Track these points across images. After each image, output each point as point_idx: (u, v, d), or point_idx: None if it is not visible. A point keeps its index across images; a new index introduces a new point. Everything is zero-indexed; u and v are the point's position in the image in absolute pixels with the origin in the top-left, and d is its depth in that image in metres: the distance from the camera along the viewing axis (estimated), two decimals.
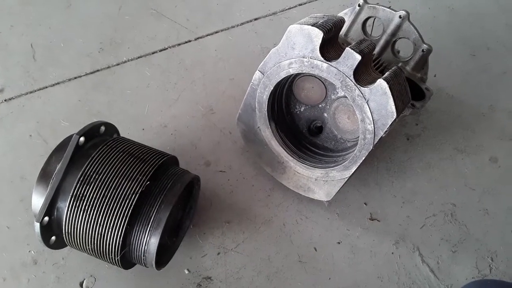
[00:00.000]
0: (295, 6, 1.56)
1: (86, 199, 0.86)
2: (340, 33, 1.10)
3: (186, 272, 1.06)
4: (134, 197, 0.86)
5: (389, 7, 1.11)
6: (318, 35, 0.91)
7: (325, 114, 1.13)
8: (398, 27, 1.11)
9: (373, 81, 0.90)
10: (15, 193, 1.15)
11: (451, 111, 1.32)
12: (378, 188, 1.19)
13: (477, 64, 1.40)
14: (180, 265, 1.07)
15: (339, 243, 1.11)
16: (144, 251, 0.90)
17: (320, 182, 1.08)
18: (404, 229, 1.13)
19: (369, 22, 1.18)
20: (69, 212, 0.87)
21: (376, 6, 1.13)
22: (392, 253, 1.10)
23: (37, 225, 0.86)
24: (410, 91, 1.02)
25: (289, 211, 1.15)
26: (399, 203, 1.17)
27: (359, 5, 1.15)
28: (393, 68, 0.94)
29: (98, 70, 1.40)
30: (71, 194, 0.86)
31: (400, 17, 1.09)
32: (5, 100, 1.32)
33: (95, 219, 0.86)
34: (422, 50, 1.10)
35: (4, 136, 1.25)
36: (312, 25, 0.91)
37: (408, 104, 0.99)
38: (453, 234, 1.12)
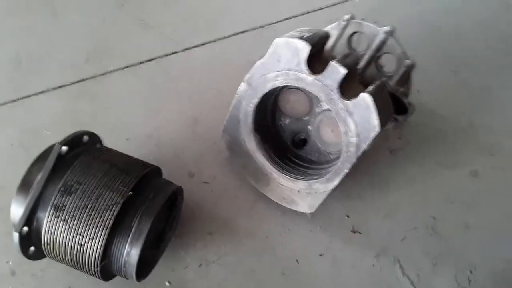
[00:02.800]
0: (282, 20, 1.57)
1: (66, 209, 0.85)
2: (326, 47, 1.12)
3: (167, 284, 1.05)
4: (116, 207, 0.85)
5: (375, 23, 1.13)
6: (304, 49, 0.92)
7: (309, 127, 1.14)
8: (383, 43, 1.12)
9: (356, 95, 0.91)
10: None
11: (433, 126, 1.34)
12: (360, 200, 1.20)
13: (458, 80, 1.43)
14: (161, 277, 1.06)
15: (321, 255, 1.11)
16: (124, 262, 0.89)
17: (303, 194, 1.09)
18: (386, 242, 1.13)
19: (355, 37, 1.19)
20: (48, 222, 0.85)
21: (361, 21, 1.15)
22: (373, 265, 1.10)
23: (16, 235, 0.85)
24: (393, 105, 1.03)
25: (272, 223, 1.15)
26: (381, 216, 1.17)
27: (344, 20, 1.17)
28: (377, 82, 0.96)
29: (83, 80, 1.39)
30: (51, 204, 0.85)
31: (385, 32, 1.11)
32: None
33: (75, 229, 0.85)
34: (406, 66, 1.12)
35: None
36: (299, 39, 0.92)
37: (390, 118, 1.01)
38: (433, 247, 1.13)
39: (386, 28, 1.10)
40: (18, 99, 1.33)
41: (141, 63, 1.44)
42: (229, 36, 1.53)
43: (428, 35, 1.53)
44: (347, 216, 1.17)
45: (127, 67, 1.43)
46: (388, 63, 1.15)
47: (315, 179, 1.06)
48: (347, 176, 1.00)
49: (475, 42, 1.52)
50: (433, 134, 1.32)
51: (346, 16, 1.16)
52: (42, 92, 1.35)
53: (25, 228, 0.86)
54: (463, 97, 1.39)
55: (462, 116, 1.36)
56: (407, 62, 1.11)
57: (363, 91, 0.90)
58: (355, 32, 1.17)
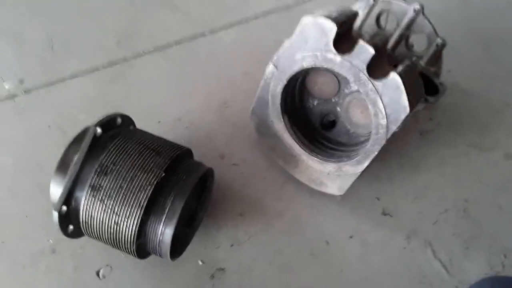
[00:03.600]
0: (309, 0, 1.56)
1: (103, 190, 0.88)
2: (354, 26, 1.10)
3: (200, 263, 1.08)
4: (150, 188, 0.88)
5: (404, 0, 1.11)
6: (331, 29, 0.91)
7: (338, 108, 1.14)
8: (412, 21, 1.10)
9: (386, 75, 0.90)
10: (34, 183, 1.18)
11: (466, 106, 1.31)
12: (390, 183, 1.19)
13: (492, 58, 1.39)
14: (194, 256, 1.08)
15: (351, 237, 1.12)
16: (159, 241, 0.92)
17: (332, 176, 1.09)
18: (416, 225, 1.13)
19: (383, 15, 1.17)
20: (86, 202, 0.89)
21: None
22: (404, 248, 1.10)
23: (55, 214, 0.88)
24: (424, 85, 1.02)
25: (301, 205, 1.16)
26: (412, 198, 1.17)
27: None
28: (406, 62, 0.94)
29: (115, 63, 1.41)
30: (88, 184, 0.89)
31: (414, 10, 1.08)
32: (24, 91, 1.35)
33: (111, 209, 0.88)
34: (436, 45, 1.09)
35: (24, 126, 1.28)
36: (326, 18, 0.91)
37: (421, 99, 0.99)
38: (465, 230, 1.12)
39: (416, 6, 1.08)
40: (53, 83, 1.37)
41: (169, 46, 1.45)
42: (256, 16, 1.52)
43: (458, 11, 1.49)
44: (377, 198, 1.17)
45: (156, 50, 1.44)
46: (418, 42, 1.13)
47: (345, 161, 1.06)
48: (377, 158, 1.00)
49: (507, 17, 1.46)
50: (466, 115, 1.29)
51: None
52: (76, 75, 1.39)
53: (64, 208, 0.89)
54: (497, 76, 1.35)
55: (496, 96, 1.32)
56: (438, 40, 1.09)
57: (392, 71, 0.89)
58: (383, 11, 1.15)
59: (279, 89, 1.06)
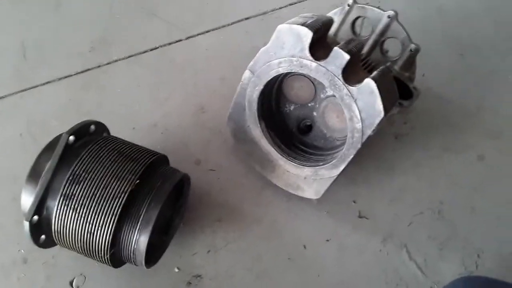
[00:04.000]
0: (285, 6, 1.56)
1: (75, 198, 0.86)
2: (329, 32, 1.11)
3: (176, 270, 1.07)
4: (124, 196, 0.87)
5: (378, 7, 1.12)
6: (307, 35, 0.92)
7: (315, 113, 1.14)
8: (387, 27, 1.12)
9: (361, 80, 0.91)
10: (7, 192, 1.15)
11: (439, 110, 1.33)
12: (366, 186, 1.20)
13: (465, 64, 1.42)
14: (170, 263, 1.07)
15: (328, 240, 1.12)
16: (133, 249, 0.90)
17: (309, 180, 1.09)
18: (392, 227, 1.14)
19: (358, 22, 1.19)
20: (58, 210, 0.87)
21: (365, 6, 1.14)
22: (380, 250, 1.11)
23: (26, 224, 0.86)
24: (398, 90, 1.03)
25: (279, 209, 1.16)
26: (387, 201, 1.18)
27: (348, 5, 1.16)
28: (381, 67, 0.95)
29: (88, 69, 1.40)
30: (60, 193, 0.87)
31: (388, 17, 1.10)
32: None
33: (84, 217, 0.86)
34: (410, 50, 1.11)
35: None
36: (301, 25, 0.92)
37: (396, 103, 1.00)
38: (440, 231, 1.14)
39: (390, 12, 1.10)
40: (25, 90, 1.34)
41: (145, 51, 1.44)
42: (233, 23, 1.52)
43: (433, 17, 1.52)
44: (354, 201, 1.18)
45: (132, 56, 1.43)
46: (393, 48, 1.15)
47: (321, 165, 1.06)
48: (353, 161, 1.00)
49: (482, 25, 1.50)
50: (439, 119, 1.31)
51: (350, 1, 1.16)
52: (48, 82, 1.36)
53: (35, 217, 0.87)
54: (470, 81, 1.38)
55: (469, 101, 1.35)
56: (412, 46, 1.11)
57: (367, 76, 0.90)
58: (358, 17, 1.17)
59: (255, 94, 1.06)
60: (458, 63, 1.43)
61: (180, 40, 1.48)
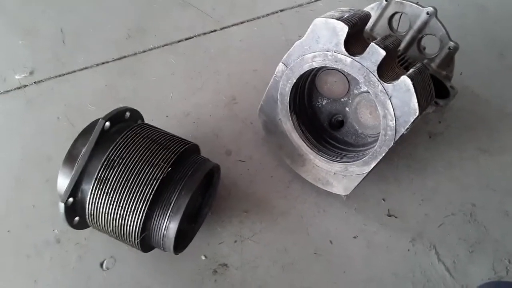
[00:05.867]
0: None
1: (109, 183, 0.89)
2: (366, 27, 1.10)
3: (203, 258, 1.08)
4: (156, 182, 0.88)
5: (417, 3, 1.10)
6: (343, 29, 0.91)
7: (347, 109, 1.13)
8: (425, 24, 1.10)
9: (397, 77, 0.89)
10: (42, 174, 1.19)
11: (476, 111, 1.30)
12: (397, 184, 1.19)
13: (505, 64, 1.38)
14: (198, 251, 1.09)
15: (355, 237, 1.12)
16: (163, 235, 0.92)
17: (339, 176, 1.09)
18: (422, 227, 1.12)
19: (396, 17, 1.17)
20: (92, 194, 0.89)
21: (403, 1, 1.12)
22: (408, 250, 1.10)
23: (61, 205, 0.89)
24: (435, 88, 1.01)
25: (307, 204, 1.16)
26: (418, 200, 1.16)
27: (386, 0, 1.14)
28: (417, 65, 0.94)
29: (124, 57, 1.42)
30: (95, 177, 0.89)
31: (427, 13, 1.08)
32: (34, 83, 1.36)
33: (117, 202, 0.88)
34: (449, 48, 1.09)
35: (33, 117, 1.29)
36: (338, 19, 0.91)
37: (431, 101, 0.98)
38: (471, 234, 1.11)
39: (429, 9, 1.07)
40: (63, 75, 1.38)
41: (180, 41, 1.46)
42: (268, 15, 1.52)
43: (472, 16, 1.48)
44: (383, 199, 1.16)
45: (167, 44, 1.45)
46: (431, 45, 1.13)
47: (351, 161, 1.06)
48: (384, 159, 0.99)
49: None
50: (476, 119, 1.28)
51: None
52: (85, 68, 1.40)
53: (70, 199, 0.90)
54: (509, 82, 1.34)
55: (507, 101, 1.31)
56: (450, 43, 1.08)
57: (403, 73, 0.89)
58: (396, 13, 1.15)
59: (288, 87, 1.05)
60: (497, 63, 1.39)
61: (214, 31, 1.49)
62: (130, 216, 0.89)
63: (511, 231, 1.11)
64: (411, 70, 0.91)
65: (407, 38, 1.13)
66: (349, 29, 0.90)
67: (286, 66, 1.03)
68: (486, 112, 1.29)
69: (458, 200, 1.16)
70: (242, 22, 1.51)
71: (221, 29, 1.49)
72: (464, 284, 1.05)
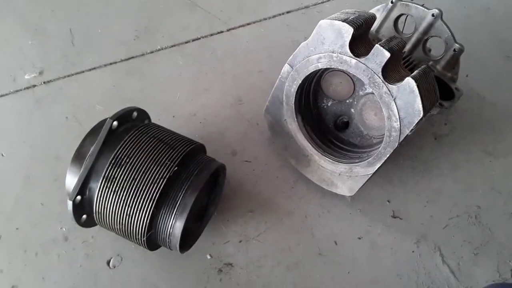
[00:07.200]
0: (327, 0, 1.56)
1: (116, 181, 0.90)
2: (371, 29, 1.10)
3: (208, 257, 1.09)
4: (162, 181, 0.89)
5: (422, 5, 1.10)
6: (348, 31, 0.91)
7: (352, 110, 1.14)
8: (431, 26, 1.10)
9: (401, 79, 0.90)
10: (50, 172, 1.20)
11: (482, 113, 1.30)
12: (402, 186, 1.19)
13: (510, 66, 1.37)
14: (203, 250, 1.10)
15: (360, 238, 1.12)
16: (169, 234, 0.93)
17: (343, 177, 1.09)
18: (427, 229, 1.13)
19: (401, 19, 1.17)
20: (100, 192, 0.91)
21: (409, 3, 1.13)
22: (413, 251, 1.10)
23: (69, 203, 0.90)
24: (440, 90, 1.02)
25: (311, 204, 1.17)
26: (423, 202, 1.16)
27: (391, 2, 1.15)
28: (422, 66, 0.94)
29: (132, 57, 1.44)
30: (103, 175, 0.90)
31: (433, 15, 1.08)
32: (44, 82, 1.38)
33: (124, 200, 0.90)
34: (454, 50, 1.09)
35: (42, 117, 1.31)
36: (343, 21, 0.91)
37: (436, 103, 0.99)
38: (476, 236, 1.12)
39: (434, 11, 1.08)
40: (72, 75, 1.40)
41: (187, 42, 1.47)
42: (274, 16, 1.53)
43: (478, 18, 1.48)
44: (388, 201, 1.17)
45: (174, 45, 1.46)
46: (436, 47, 1.13)
47: (356, 162, 1.06)
48: (389, 160, 1.00)
49: None
50: (481, 121, 1.28)
51: None
52: (94, 68, 1.41)
53: (78, 197, 0.91)
54: None
55: None
56: (456, 45, 1.09)
57: (408, 75, 0.89)
58: (401, 15, 1.15)
59: (293, 88, 1.06)
60: (503, 65, 1.39)
61: (221, 32, 1.50)
62: (137, 215, 0.90)
63: None
64: (415, 72, 0.91)
65: (413, 40, 1.14)
66: (354, 31, 0.91)
67: (292, 67, 1.03)
68: (491, 115, 1.29)
69: (463, 202, 1.16)
70: (248, 24, 1.52)
71: (228, 30, 1.50)
72: (468, 286, 1.05)
